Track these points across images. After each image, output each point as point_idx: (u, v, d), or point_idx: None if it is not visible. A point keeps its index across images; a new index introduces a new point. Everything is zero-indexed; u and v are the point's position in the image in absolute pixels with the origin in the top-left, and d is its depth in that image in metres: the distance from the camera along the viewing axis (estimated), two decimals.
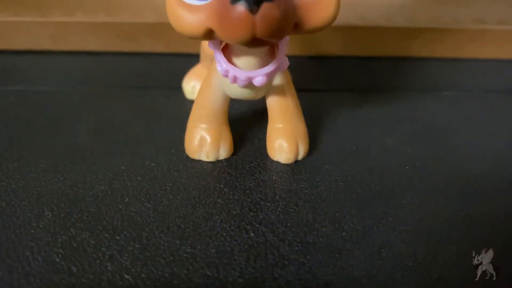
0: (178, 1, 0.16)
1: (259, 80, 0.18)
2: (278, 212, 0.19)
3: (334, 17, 0.16)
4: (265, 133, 0.22)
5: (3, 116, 0.24)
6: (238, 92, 0.19)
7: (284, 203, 0.19)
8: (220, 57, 0.18)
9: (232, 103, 0.21)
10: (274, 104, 0.21)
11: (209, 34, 0.16)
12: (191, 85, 0.26)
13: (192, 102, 0.22)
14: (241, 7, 0.14)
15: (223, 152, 0.22)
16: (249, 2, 0.14)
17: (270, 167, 0.21)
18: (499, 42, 0.31)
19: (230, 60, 0.18)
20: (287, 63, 0.19)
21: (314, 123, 0.24)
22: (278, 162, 0.22)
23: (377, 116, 0.25)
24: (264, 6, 0.14)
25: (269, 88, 0.20)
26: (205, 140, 0.21)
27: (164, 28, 0.29)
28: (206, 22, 0.15)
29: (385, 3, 0.34)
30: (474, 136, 0.24)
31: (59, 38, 0.31)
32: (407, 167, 0.21)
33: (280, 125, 0.21)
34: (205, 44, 0.23)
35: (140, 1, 0.33)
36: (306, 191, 0.20)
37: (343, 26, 0.30)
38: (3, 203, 0.19)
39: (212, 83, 0.20)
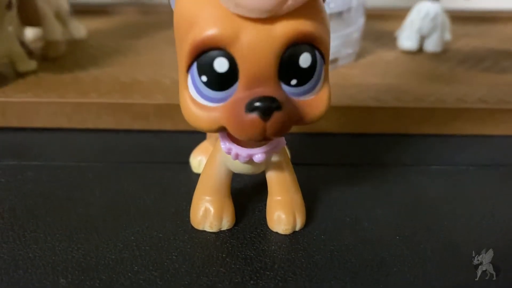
0: (193, 101, 0.18)
1: (258, 157, 0.20)
2: (277, 281, 0.20)
3: (326, 111, 0.18)
4: (265, 205, 0.23)
5: (22, 189, 0.26)
6: (240, 167, 0.21)
7: (282, 272, 0.20)
8: (224, 136, 0.20)
9: (235, 177, 0.23)
10: (273, 178, 0.22)
11: (221, 129, 0.18)
12: (197, 160, 0.27)
13: (198, 176, 0.23)
14: (255, 116, 0.16)
15: (226, 223, 0.23)
16: (263, 112, 0.16)
17: (270, 238, 0.22)
18: (480, 119, 0.32)
19: (232, 139, 0.20)
20: (283, 142, 0.21)
21: (310, 196, 0.25)
22: (277, 233, 0.23)
23: (369, 189, 0.26)
24: (274, 115, 0.16)
25: (268, 163, 0.22)
26: (209, 212, 0.22)
27: (172, 108, 0.31)
28: (220, 121, 0.17)
29: (374, 85, 0.36)
30: (459, 207, 0.25)
31: (75, 117, 0.32)
32: (397, 237, 0.22)
33: (279, 198, 0.23)
34: None
35: (150, 84, 0.35)
36: (303, 260, 0.21)
37: (336, 106, 0.32)
38: (21, 271, 0.20)
39: (217, 159, 0.22)
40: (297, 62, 0.17)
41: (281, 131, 0.17)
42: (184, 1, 0.17)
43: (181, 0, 0.17)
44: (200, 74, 0.17)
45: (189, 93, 0.18)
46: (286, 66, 0.17)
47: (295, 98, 0.18)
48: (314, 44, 0.17)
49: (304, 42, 0.17)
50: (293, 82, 0.17)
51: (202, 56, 0.17)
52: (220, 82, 0.17)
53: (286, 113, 0.17)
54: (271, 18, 0.16)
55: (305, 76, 0.17)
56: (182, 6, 0.17)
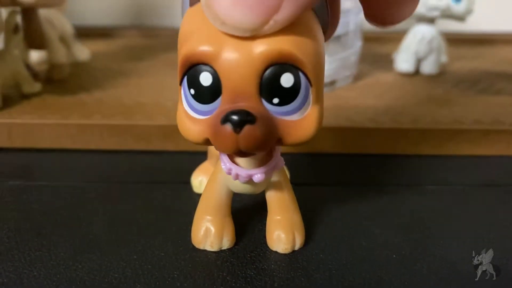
0: (185, 114, 0.18)
1: (258, 177, 0.20)
2: None
3: (314, 135, 0.18)
4: (265, 224, 0.24)
5: (26, 209, 0.26)
6: (240, 187, 0.22)
7: None
8: (224, 157, 0.21)
9: (235, 197, 0.23)
10: (272, 197, 0.23)
11: (207, 142, 0.18)
12: (198, 180, 0.28)
13: (199, 195, 0.23)
14: (228, 127, 0.17)
15: (226, 242, 0.23)
16: (234, 124, 0.16)
17: (269, 257, 0.23)
18: (475, 140, 0.33)
19: (233, 160, 0.21)
20: (282, 162, 0.21)
21: (309, 215, 0.25)
22: (276, 252, 0.23)
23: (366, 208, 0.27)
24: (246, 128, 0.17)
25: (267, 183, 0.22)
26: (209, 231, 0.23)
27: (174, 129, 0.31)
28: (205, 133, 0.18)
29: (372, 107, 0.37)
30: (455, 226, 0.25)
31: (78, 138, 0.33)
32: (394, 256, 0.23)
33: (278, 217, 0.23)
34: None
35: (152, 106, 0.36)
36: (302, 279, 0.21)
37: (334, 127, 0.32)
38: None
39: (217, 179, 0.22)
40: (278, 82, 0.17)
41: (253, 145, 0.17)
42: (184, 20, 0.18)
43: (183, 19, 0.18)
44: (189, 87, 0.18)
45: (182, 106, 0.18)
46: (267, 85, 0.17)
47: (279, 117, 0.18)
48: (297, 66, 0.17)
49: (286, 63, 0.17)
50: (275, 100, 0.17)
51: (191, 70, 0.17)
52: (206, 95, 0.18)
53: (260, 128, 0.17)
54: (253, 37, 0.16)
55: (288, 96, 0.17)
56: (182, 24, 0.18)
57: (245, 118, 0.17)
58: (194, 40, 0.17)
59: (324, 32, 0.19)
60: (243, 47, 0.16)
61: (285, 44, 0.17)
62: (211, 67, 0.17)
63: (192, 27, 0.18)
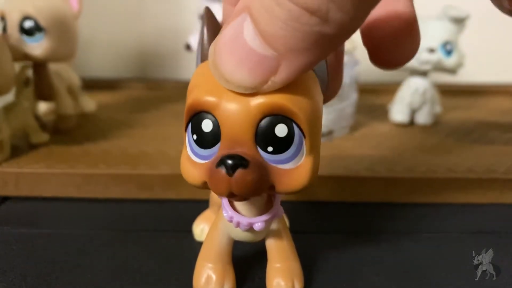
0: (188, 157, 0.20)
1: (258, 225, 0.21)
2: None
3: (308, 185, 0.19)
4: (265, 272, 0.24)
5: (33, 256, 0.27)
6: (240, 235, 0.22)
7: None
8: (226, 205, 0.21)
9: (236, 245, 0.24)
10: (272, 245, 0.23)
11: (205, 185, 0.19)
12: (200, 228, 0.28)
13: (201, 243, 0.24)
14: (222, 170, 0.18)
15: None
16: (227, 167, 0.18)
17: None
18: (468, 188, 0.34)
19: (234, 208, 0.21)
20: (282, 211, 0.22)
21: (307, 263, 0.26)
22: None
23: (364, 255, 0.27)
24: (238, 172, 0.18)
25: (267, 231, 0.23)
26: (211, 279, 0.23)
27: (177, 178, 0.33)
28: (203, 177, 0.19)
29: (368, 156, 0.38)
30: (451, 273, 0.26)
31: (84, 187, 0.33)
32: None
33: (278, 265, 0.23)
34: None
35: (156, 155, 0.37)
36: None
37: (331, 176, 0.33)
38: None
39: (219, 227, 0.23)
40: (272, 131, 0.18)
41: (245, 188, 0.18)
42: (194, 73, 0.20)
43: (194, 73, 0.20)
44: (192, 133, 0.19)
45: (186, 150, 0.20)
46: (262, 134, 0.18)
47: (273, 165, 0.19)
48: (290, 117, 0.18)
49: (280, 114, 0.18)
50: (270, 149, 0.18)
51: (194, 117, 0.19)
52: (206, 141, 0.19)
53: (252, 173, 0.18)
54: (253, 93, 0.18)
55: (282, 145, 0.18)
56: (192, 76, 0.20)
57: (238, 162, 0.18)
58: (200, 91, 0.19)
59: (323, 92, 0.20)
60: (241, 99, 0.18)
61: (279, 98, 0.18)
62: (213, 115, 0.18)
63: (199, 80, 0.19)
